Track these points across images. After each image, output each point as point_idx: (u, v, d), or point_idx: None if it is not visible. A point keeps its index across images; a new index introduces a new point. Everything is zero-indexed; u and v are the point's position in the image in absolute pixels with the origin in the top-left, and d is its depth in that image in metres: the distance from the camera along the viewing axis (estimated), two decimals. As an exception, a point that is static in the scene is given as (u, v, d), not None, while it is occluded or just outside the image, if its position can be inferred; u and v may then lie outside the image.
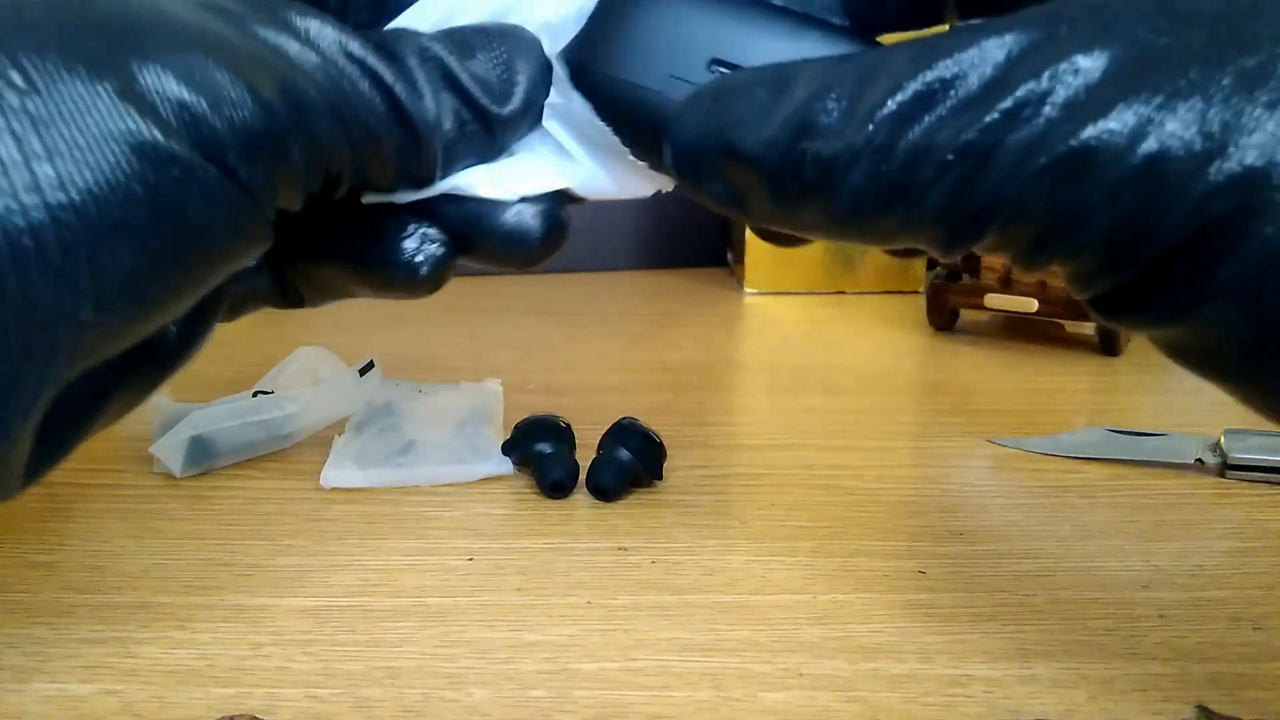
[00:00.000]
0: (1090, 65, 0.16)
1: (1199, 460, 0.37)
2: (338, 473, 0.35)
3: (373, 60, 0.21)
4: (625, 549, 0.31)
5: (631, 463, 0.34)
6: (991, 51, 0.17)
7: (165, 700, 0.23)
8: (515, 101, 0.23)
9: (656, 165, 0.22)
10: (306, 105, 0.20)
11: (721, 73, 0.20)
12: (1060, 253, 0.18)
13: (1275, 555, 0.31)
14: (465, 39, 0.23)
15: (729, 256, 0.79)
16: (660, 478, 0.35)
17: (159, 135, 0.17)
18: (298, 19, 0.20)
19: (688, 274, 0.78)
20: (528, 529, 0.32)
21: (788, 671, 0.24)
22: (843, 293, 0.71)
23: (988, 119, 0.16)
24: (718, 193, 0.20)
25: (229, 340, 0.58)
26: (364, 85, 0.20)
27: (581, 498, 0.34)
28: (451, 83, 0.22)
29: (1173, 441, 0.38)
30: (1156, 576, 0.29)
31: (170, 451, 0.35)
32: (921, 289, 0.61)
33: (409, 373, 0.48)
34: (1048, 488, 0.36)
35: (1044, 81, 0.16)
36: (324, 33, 0.20)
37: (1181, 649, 0.25)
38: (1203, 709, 0.22)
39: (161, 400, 0.38)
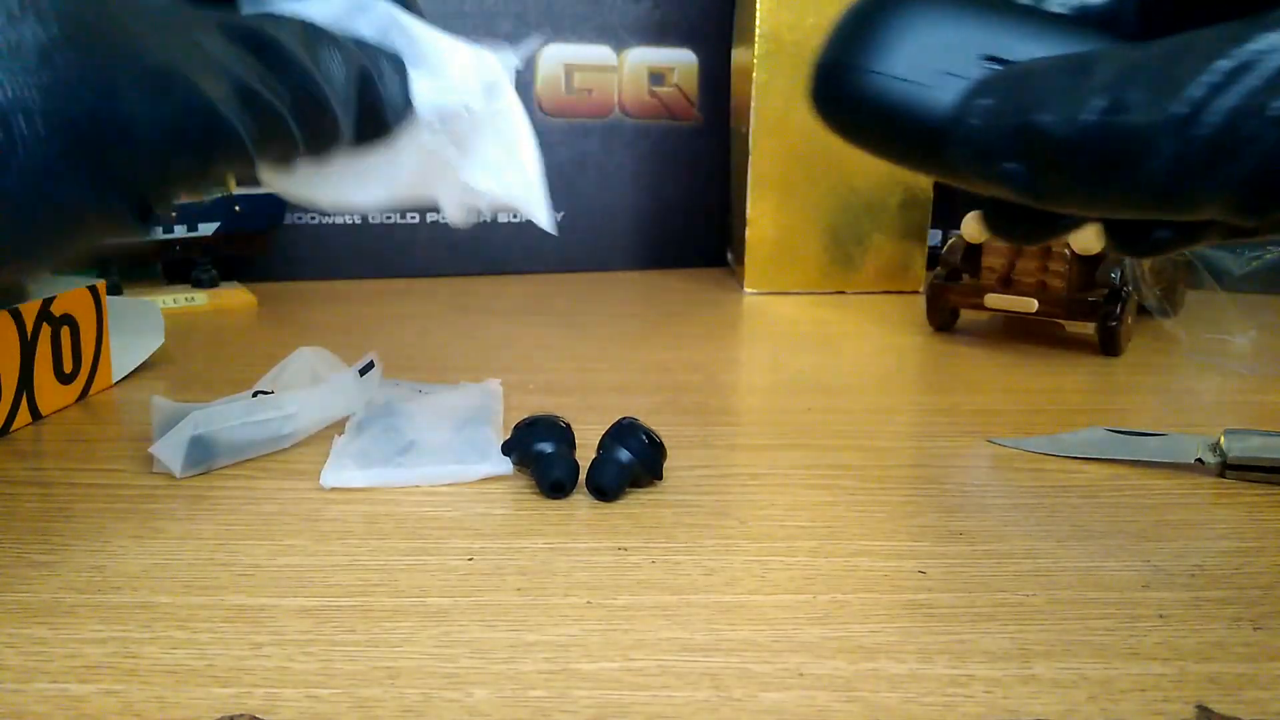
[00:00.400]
0: None
1: (1199, 460, 0.37)
2: (338, 473, 0.35)
3: (302, 71, 0.23)
4: (625, 549, 0.31)
5: (631, 463, 0.34)
6: None
7: (165, 700, 0.23)
8: (397, 114, 0.25)
9: (916, 154, 0.22)
10: (231, 136, 0.21)
11: (995, 67, 0.21)
12: None
13: (1275, 555, 0.31)
14: (372, 51, 0.25)
15: (729, 256, 0.79)
16: (660, 478, 0.35)
17: (97, 192, 0.19)
18: (233, 28, 0.22)
19: (688, 274, 0.79)
20: (528, 529, 0.32)
21: (788, 671, 0.24)
22: (843, 293, 0.71)
23: None
24: (1011, 172, 0.20)
25: (229, 340, 0.58)
26: (297, 93, 0.22)
27: (581, 498, 0.34)
28: (368, 88, 0.24)
29: (1173, 441, 0.38)
30: (1156, 576, 0.29)
31: (170, 451, 0.35)
32: (921, 289, 0.61)
33: (409, 373, 0.48)
34: (1048, 488, 0.36)
35: None
36: (260, 45, 0.22)
37: (1181, 649, 0.25)
38: (1203, 709, 0.22)
39: (161, 400, 0.38)
